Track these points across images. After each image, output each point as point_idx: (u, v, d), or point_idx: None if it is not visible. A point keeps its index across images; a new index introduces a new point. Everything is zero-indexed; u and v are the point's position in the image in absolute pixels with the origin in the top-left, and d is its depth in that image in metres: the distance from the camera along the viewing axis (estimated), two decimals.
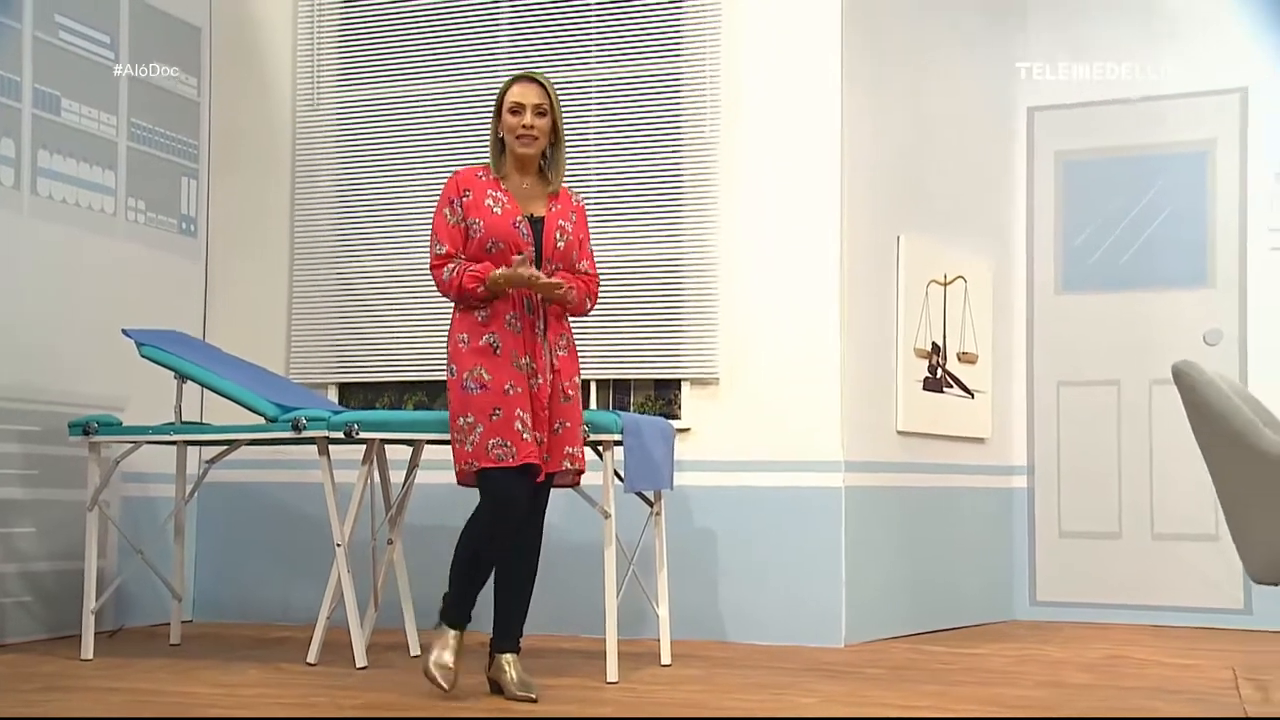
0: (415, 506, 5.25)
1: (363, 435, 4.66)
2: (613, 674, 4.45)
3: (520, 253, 4.00)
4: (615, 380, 5.85)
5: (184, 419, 5.26)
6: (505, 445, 3.92)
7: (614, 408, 5.81)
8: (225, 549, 6.18)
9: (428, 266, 4.19)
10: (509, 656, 4.12)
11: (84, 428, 4.95)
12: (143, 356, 4.99)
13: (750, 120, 5.72)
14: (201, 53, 6.40)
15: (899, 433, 5.93)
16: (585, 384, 5.85)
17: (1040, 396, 6.66)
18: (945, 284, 6.21)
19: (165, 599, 5.68)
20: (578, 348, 4.30)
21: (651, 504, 4.85)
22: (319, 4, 6.27)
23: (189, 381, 5.03)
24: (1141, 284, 6.53)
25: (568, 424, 4.12)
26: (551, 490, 4.22)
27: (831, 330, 5.56)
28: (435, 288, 4.18)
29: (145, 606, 5.83)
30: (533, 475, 4.01)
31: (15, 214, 5.44)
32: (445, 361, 4.14)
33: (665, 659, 4.84)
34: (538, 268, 4.04)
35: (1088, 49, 6.61)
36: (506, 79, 4.21)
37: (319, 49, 6.27)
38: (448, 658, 4.04)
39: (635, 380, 5.81)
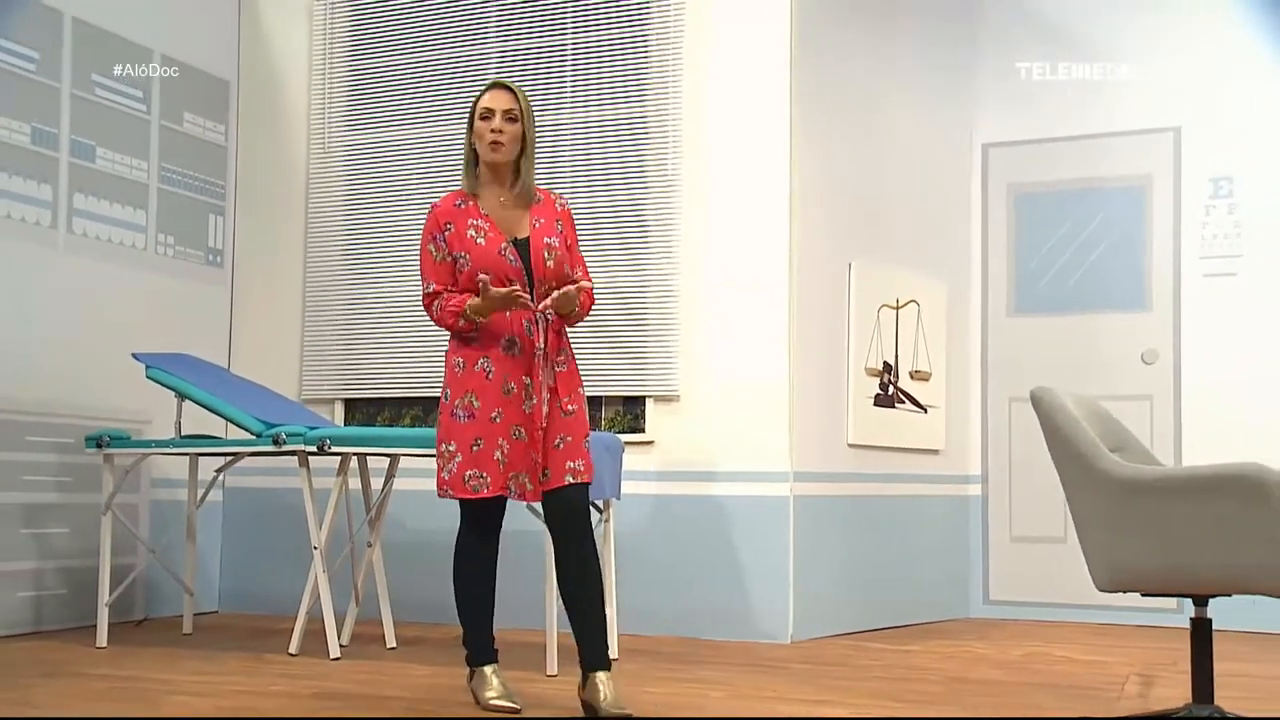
0: (394, 511, 5.36)
1: (335, 449, 4.77)
2: (552, 667, 4.51)
3: (486, 275, 3.67)
4: (588, 397, 5.89)
5: (197, 433, 5.42)
6: (481, 477, 3.69)
7: None
8: (248, 547, 6.33)
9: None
10: (602, 675, 3.69)
11: (98, 441, 5.11)
12: (148, 378, 5.14)
13: (708, 163, 5.77)
14: (230, 104, 6.57)
15: (850, 445, 5.93)
16: None
17: (993, 411, 6.63)
18: (897, 308, 6.19)
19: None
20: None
21: (601, 511, 4.91)
22: (329, 61, 6.42)
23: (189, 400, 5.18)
24: (1086, 307, 6.48)
25: (569, 439, 3.75)
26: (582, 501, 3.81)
27: (780, 351, 5.58)
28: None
29: (171, 599, 6.00)
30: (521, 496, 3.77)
31: (52, 250, 5.64)
32: (442, 385, 3.84)
33: (614, 653, 4.89)
34: (530, 291, 3.73)
35: (1037, 91, 6.58)
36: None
37: (329, 100, 6.41)
38: (497, 685, 3.84)
39: (606, 397, 5.86)
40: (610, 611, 4.87)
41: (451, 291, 3.78)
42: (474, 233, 3.76)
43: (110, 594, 5.17)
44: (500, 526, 3.90)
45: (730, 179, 5.73)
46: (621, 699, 3.68)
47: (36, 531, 5.51)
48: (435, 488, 3.85)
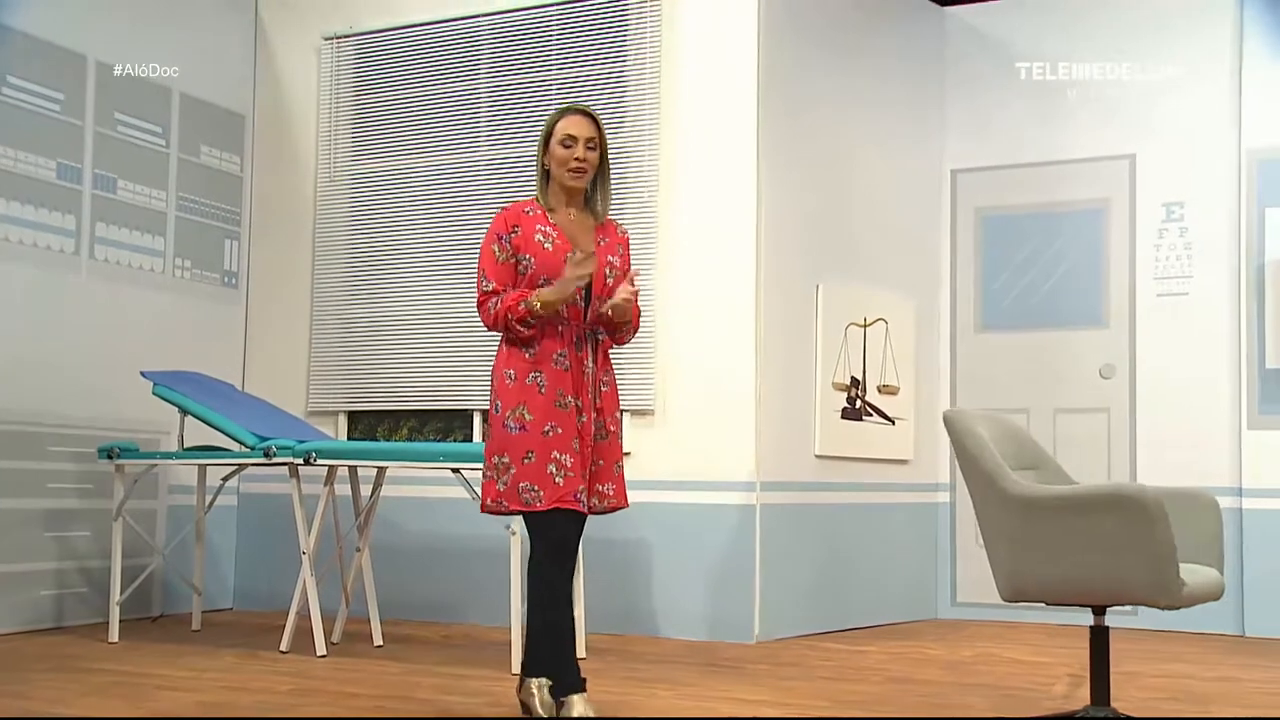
0: (392, 517, 5.53)
1: (320, 461, 4.95)
2: (517, 666, 4.63)
3: (573, 253, 3.57)
4: None
5: (206, 445, 5.61)
6: (534, 490, 3.52)
7: None
8: (259, 548, 6.51)
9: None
10: (578, 696, 3.59)
11: (109, 452, 5.32)
12: (155, 394, 5.34)
13: (680, 190, 5.89)
14: (245, 136, 6.77)
15: (817, 456, 6.03)
16: None
17: None
18: (865, 326, 6.29)
19: (206, 592, 6.06)
20: None
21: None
22: (336, 97, 6.60)
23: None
24: (1048, 323, 6.55)
25: (601, 462, 3.67)
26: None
27: (747, 369, 5.69)
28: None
29: (187, 597, 6.17)
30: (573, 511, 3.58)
31: (75, 275, 5.86)
32: (490, 396, 3.66)
33: (581, 653, 5.02)
34: (586, 304, 3.64)
35: (1001, 120, 6.67)
36: (554, 112, 3.76)
37: (335, 133, 6.60)
38: (546, 696, 3.62)
39: None
40: (578, 612, 5.02)
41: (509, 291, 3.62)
42: (542, 238, 3.64)
43: (121, 594, 5.37)
44: (577, 549, 3.70)
45: (700, 205, 5.84)
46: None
47: (59, 534, 5.72)
48: (481, 502, 3.65)
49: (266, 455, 4.97)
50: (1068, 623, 6.23)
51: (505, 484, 3.55)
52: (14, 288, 5.58)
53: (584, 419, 3.60)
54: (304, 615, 5.07)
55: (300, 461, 4.93)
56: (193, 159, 6.46)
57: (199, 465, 5.58)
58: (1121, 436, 6.33)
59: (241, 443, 5.07)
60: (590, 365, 3.64)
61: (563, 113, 3.71)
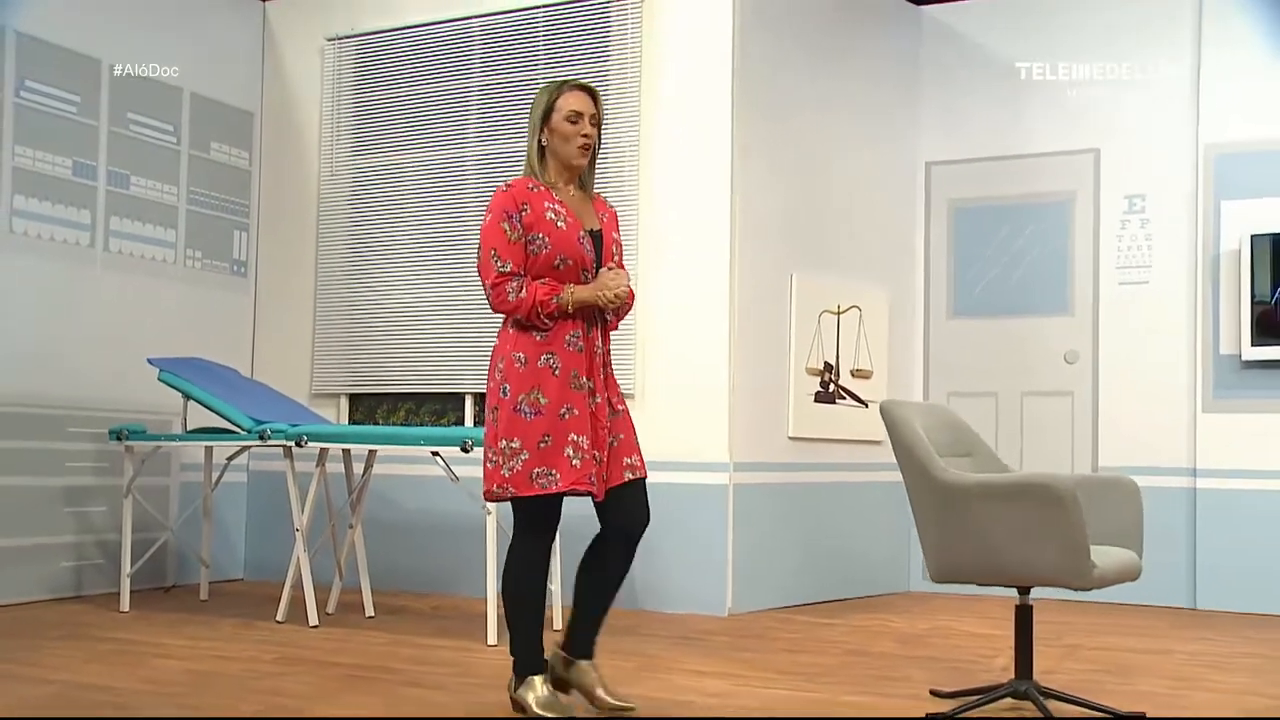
0: (390, 494, 5.68)
1: (311, 444, 5.11)
2: (492, 638, 4.78)
3: (609, 267, 3.47)
4: None
5: (213, 428, 5.78)
6: (550, 474, 3.35)
7: None
8: (268, 522, 6.68)
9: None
10: (590, 663, 3.59)
11: (119, 434, 5.50)
12: (160, 380, 5.51)
13: (659, 182, 5.99)
14: (253, 133, 6.92)
15: (791, 438, 6.14)
16: None
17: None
18: (839, 313, 6.38)
19: (218, 563, 6.27)
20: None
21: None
22: (337, 95, 6.74)
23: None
24: (1017, 311, 6.62)
25: (621, 436, 3.52)
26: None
27: (721, 355, 5.81)
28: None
29: (198, 568, 6.37)
30: (586, 493, 3.44)
31: (91, 267, 6.03)
32: (496, 380, 3.43)
33: (556, 624, 5.15)
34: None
35: (975, 115, 6.72)
36: (549, 86, 3.51)
37: (337, 129, 6.73)
38: (545, 693, 3.47)
39: None
40: (555, 586, 5.16)
41: (525, 276, 3.40)
42: (553, 215, 3.41)
43: (133, 566, 5.56)
44: (557, 529, 3.55)
45: (678, 200, 5.94)
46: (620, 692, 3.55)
47: (77, 510, 5.92)
48: (485, 489, 3.44)
49: (262, 438, 5.13)
50: (1038, 597, 6.32)
51: (512, 470, 3.35)
52: (34, 280, 5.75)
53: (597, 400, 3.46)
54: (299, 588, 5.24)
55: (293, 444, 5.08)
56: (203, 155, 6.61)
57: (204, 446, 5.75)
58: (1085, 419, 6.41)
59: (239, 426, 5.24)
60: (600, 345, 3.49)
61: (560, 87, 3.47)
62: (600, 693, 3.54)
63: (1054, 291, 6.52)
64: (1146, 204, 6.30)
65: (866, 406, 6.51)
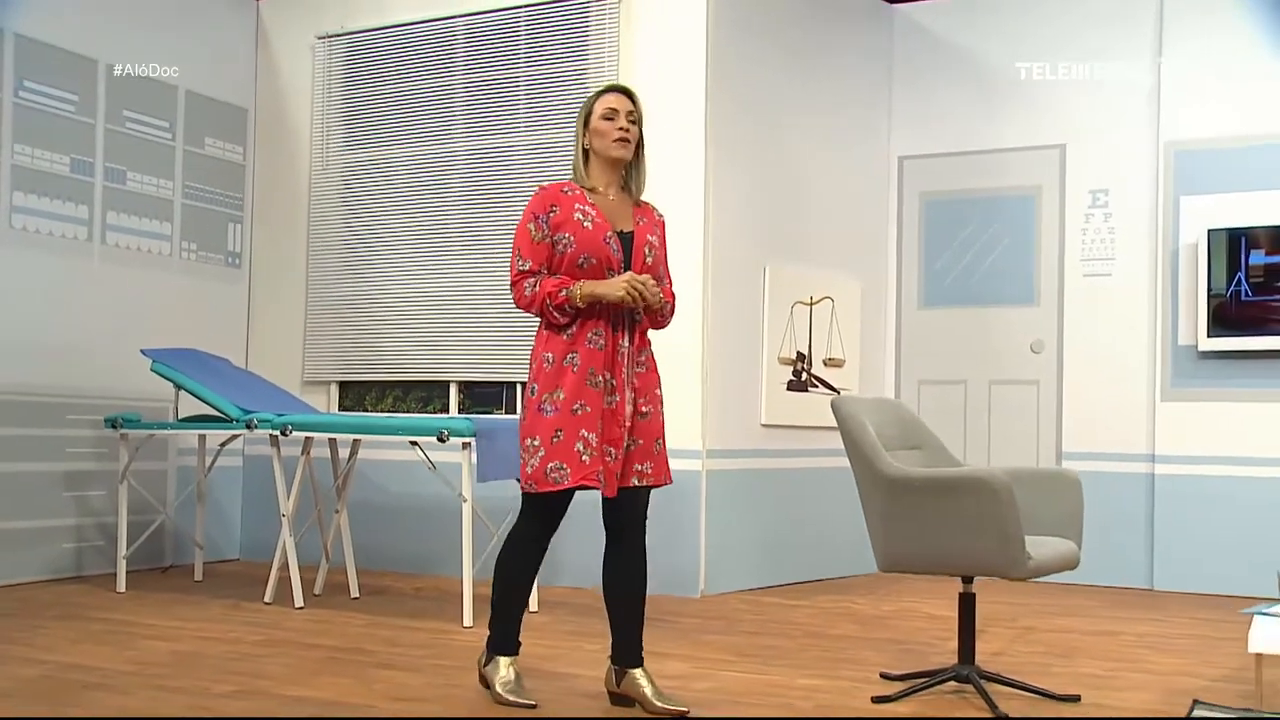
0: (378, 479, 5.79)
1: (295, 433, 5.21)
2: (469, 620, 4.88)
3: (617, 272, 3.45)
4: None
5: (201, 415, 5.88)
6: (562, 469, 3.37)
7: None
8: (262, 505, 6.77)
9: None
10: (641, 670, 3.58)
11: (113, 422, 5.61)
12: (152, 371, 5.62)
13: None
14: (247, 128, 7.00)
15: (763, 425, 6.23)
16: (511, 387, 6.33)
17: (905, 391, 6.88)
18: (811, 304, 6.46)
19: (214, 544, 6.38)
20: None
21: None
22: (328, 91, 6.81)
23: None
24: (985, 301, 6.69)
25: (640, 441, 3.48)
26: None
27: (694, 345, 5.89)
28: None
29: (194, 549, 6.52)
30: (598, 488, 3.44)
31: (89, 260, 6.13)
32: (528, 380, 3.49)
33: (533, 606, 5.25)
34: None
35: (945, 112, 6.78)
36: (593, 92, 3.62)
37: (328, 124, 6.81)
38: (511, 676, 3.55)
39: None
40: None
41: (546, 274, 3.45)
42: (581, 216, 3.45)
43: (129, 548, 5.68)
44: (559, 523, 3.58)
45: (652, 191, 5.91)
46: (669, 694, 3.55)
47: (77, 494, 6.04)
48: (521, 481, 3.49)
49: (249, 427, 5.24)
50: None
51: (533, 466, 3.40)
52: (34, 274, 5.86)
53: (616, 398, 3.42)
54: (286, 570, 5.35)
55: (278, 433, 5.19)
56: (198, 150, 6.70)
57: (196, 434, 5.86)
58: (1049, 406, 6.49)
59: (227, 415, 5.34)
60: (625, 345, 3.45)
61: (600, 93, 3.55)
62: (650, 697, 3.51)
63: (1021, 283, 6.59)
64: (1110, 198, 6.37)
65: (839, 394, 6.58)
